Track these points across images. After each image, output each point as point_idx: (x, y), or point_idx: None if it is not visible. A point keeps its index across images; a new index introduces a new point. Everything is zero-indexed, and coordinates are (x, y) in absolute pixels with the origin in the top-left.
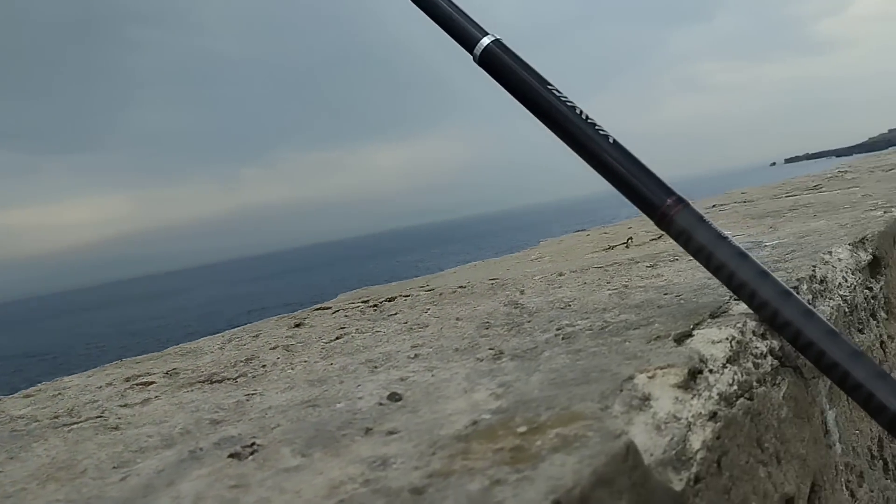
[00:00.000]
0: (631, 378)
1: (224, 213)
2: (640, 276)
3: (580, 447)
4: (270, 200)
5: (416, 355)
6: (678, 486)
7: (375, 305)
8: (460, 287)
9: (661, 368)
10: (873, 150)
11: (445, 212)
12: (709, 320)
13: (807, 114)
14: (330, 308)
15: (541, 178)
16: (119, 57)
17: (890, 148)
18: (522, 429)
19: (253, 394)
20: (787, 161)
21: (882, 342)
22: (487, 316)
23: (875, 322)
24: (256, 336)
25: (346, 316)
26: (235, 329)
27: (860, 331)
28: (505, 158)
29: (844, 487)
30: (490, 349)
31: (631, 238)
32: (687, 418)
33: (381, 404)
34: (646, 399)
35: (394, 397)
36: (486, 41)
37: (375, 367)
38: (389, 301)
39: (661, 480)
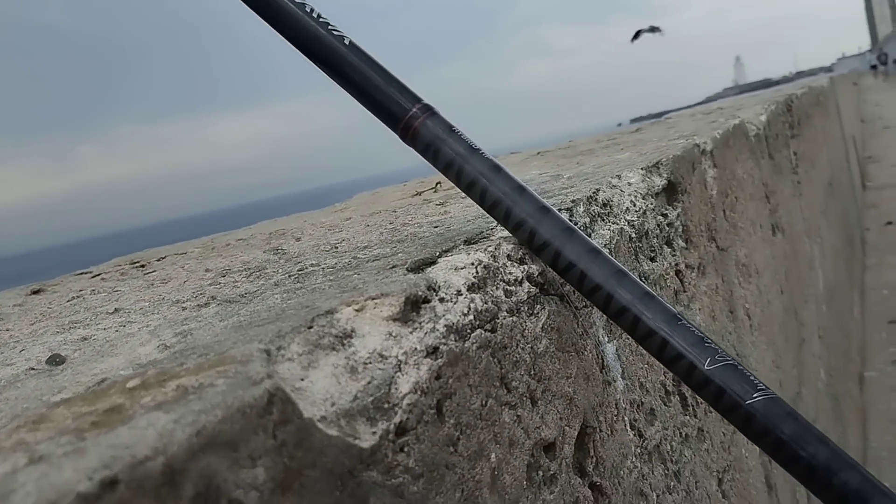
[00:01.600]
0: (331, 312)
1: (60, 193)
2: (425, 214)
3: (194, 400)
4: (113, 177)
5: (115, 310)
6: (367, 441)
7: (143, 265)
8: (239, 240)
9: (373, 299)
10: None
11: (310, 181)
12: (462, 246)
13: (651, 76)
14: (91, 272)
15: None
16: None
17: (720, 100)
18: (135, 383)
19: None
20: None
21: (678, 271)
22: (243, 265)
23: (670, 250)
24: None
25: (102, 279)
26: None
27: (651, 259)
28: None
29: (629, 427)
30: (209, 297)
31: (440, 182)
32: (397, 356)
33: (31, 369)
34: (346, 336)
35: (54, 360)
36: None
37: (69, 328)
38: (159, 260)
39: (335, 436)
